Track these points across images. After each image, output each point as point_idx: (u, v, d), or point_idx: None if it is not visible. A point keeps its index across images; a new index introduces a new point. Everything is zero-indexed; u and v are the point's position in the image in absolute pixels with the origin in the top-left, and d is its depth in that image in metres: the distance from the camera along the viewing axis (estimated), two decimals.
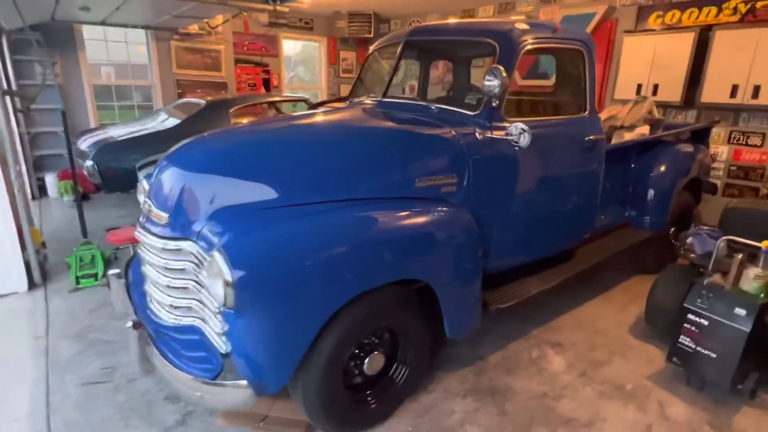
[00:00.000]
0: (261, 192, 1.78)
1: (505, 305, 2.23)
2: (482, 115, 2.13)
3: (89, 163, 4.69)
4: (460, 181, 2.06)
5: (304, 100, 5.71)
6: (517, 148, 2.08)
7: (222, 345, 1.61)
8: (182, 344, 1.82)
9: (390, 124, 2.26)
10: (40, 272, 3.36)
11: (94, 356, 2.45)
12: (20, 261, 3.19)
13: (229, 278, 1.41)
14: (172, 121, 5.74)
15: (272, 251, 1.54)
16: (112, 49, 6.87)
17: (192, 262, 1.72)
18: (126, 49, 6.76)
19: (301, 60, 9.86)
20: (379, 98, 2.58)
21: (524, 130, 1.99)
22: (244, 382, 1.54)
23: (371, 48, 3.02)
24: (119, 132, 5.63)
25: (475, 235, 2.01)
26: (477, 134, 2.09)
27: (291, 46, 9.11)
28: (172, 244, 1.74)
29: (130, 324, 1.73)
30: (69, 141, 3.83)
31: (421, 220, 1.89)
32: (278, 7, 4.32)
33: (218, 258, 1.44)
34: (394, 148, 2.00)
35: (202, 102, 5.77)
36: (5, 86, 5.08)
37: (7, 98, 3.28)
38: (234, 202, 1.75)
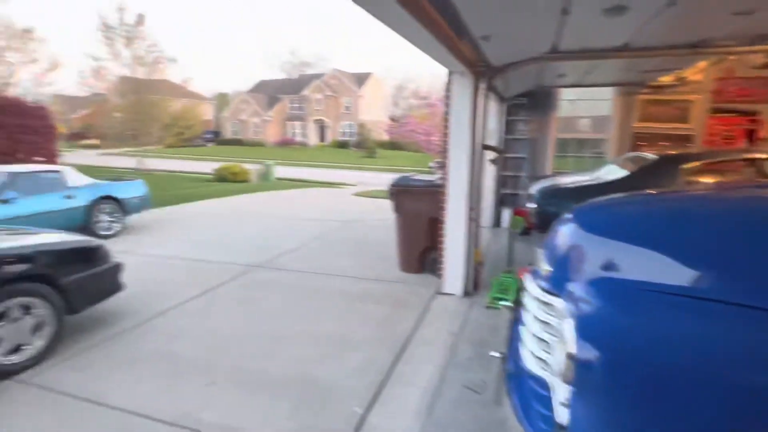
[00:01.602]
0: (657, 272, 1.54)
1: None
2: None
3: (532, 205, 5.46)
4: None
5: None
6: None
7: (559, 414, 1.55)
8: (535, 395, 1.86)
9: None
10: (472, 284, 4.27)
11: (479, 367, 2.90)
12: (462, 272, 4.18)
13: (572, 351, 1.34)
14: (618, 174, 5.73)
15: (639, 345, 1.33)
16: (580, 105, 7.61)
17: (558, 319, 1.73)
18: (586, 105, 7.31)
19: None
20: None
21: None
22: None
23: None
24: (566, 180, 6.20)
25: None
26: None
27: None
28: (545, 297, 1.82)
29: (495, 354, 1.95)
30: (499, 182, 4.60)
31: None
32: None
33: (569, 325, 1.40)
34: None
35: (654, 156, 5.42)
36: (493, 142, 6.70)
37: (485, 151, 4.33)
38: (623, 275, 1.62)
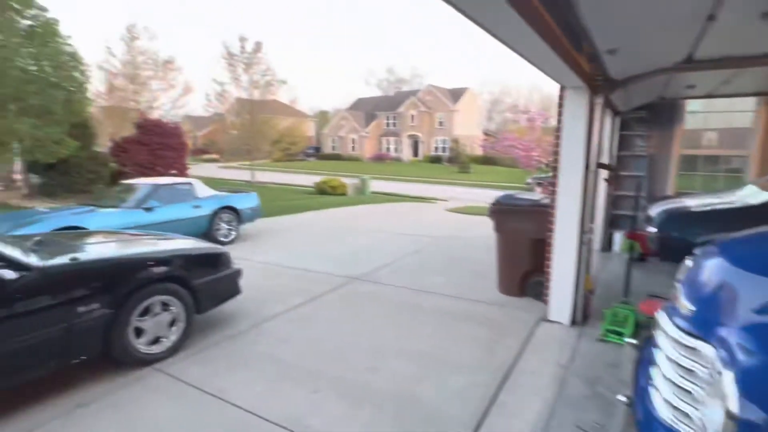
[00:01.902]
0: None
1: None
2: None
3: (651, 229, 4.92)
4: None
5: None
6: None
7: None
8: None
9: None
10: (582, 313, 3.95)
11: (593, 407, 2.64)
12: (571, 299, 3.89)
13: (734, 409, 1.15)
14: (763, 197, 4.95)
15: None
16: (711, 118, 6.75)
17: (705, 368, 1.51)
18: (719, 117, 6.45)
19: None
20: None
21: None
22: None
23: None
24: (693, 202, 5.50)
25: None
26: None
27: None
28: (687, 340, 1.60)
29: (622, 398, 1.76)
30: (610, 202, 4.18)
31: None
32: None
33: (728, 379, 1.21)
34: None
35: None
36: (605, 159, 6.20)
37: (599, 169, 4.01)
38: None
